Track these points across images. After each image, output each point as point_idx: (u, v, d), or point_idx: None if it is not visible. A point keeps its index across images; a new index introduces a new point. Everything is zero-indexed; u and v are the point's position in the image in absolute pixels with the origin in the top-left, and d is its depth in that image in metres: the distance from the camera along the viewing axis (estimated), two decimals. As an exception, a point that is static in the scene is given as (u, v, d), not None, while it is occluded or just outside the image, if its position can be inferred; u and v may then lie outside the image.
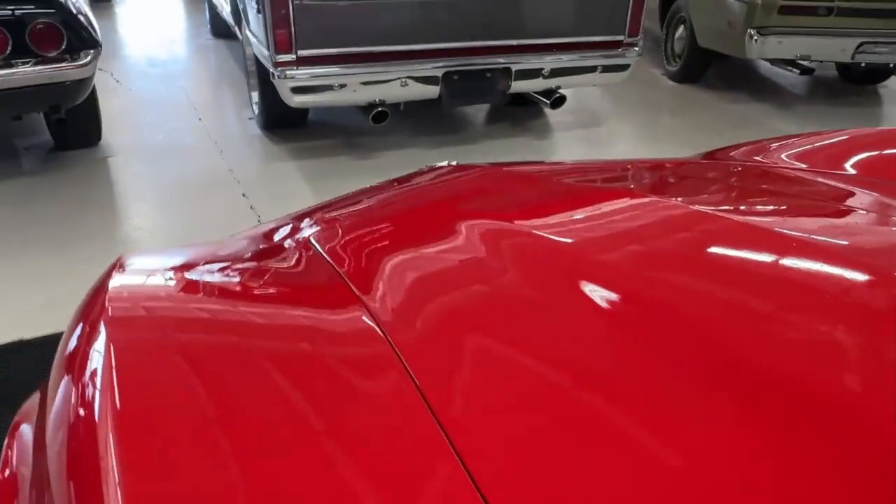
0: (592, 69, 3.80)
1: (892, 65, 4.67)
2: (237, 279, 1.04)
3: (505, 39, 3.56)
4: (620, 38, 3.79)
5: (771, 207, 1.07)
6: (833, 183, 1.16)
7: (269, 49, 3.21)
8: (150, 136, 4.02)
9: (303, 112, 3.88)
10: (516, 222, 0.96)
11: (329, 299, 0.86)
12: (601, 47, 3.77)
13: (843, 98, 5.13)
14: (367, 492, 0.51)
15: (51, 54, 2.84)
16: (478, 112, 4.47)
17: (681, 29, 5.15)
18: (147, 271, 1.00)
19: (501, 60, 3.57)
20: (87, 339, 0.73)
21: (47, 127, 3.62)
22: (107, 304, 0.78)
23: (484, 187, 1.37)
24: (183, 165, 3.68)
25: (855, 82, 5.35)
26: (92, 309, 0.80)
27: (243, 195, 3.35)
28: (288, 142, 3.92)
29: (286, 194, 3.35)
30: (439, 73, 3.46)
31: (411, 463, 0.52)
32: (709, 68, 5.16)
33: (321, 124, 4.15)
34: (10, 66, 2.78)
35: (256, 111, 4.07)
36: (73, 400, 0.65)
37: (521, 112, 4.37)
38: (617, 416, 0.54)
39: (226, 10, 4.52)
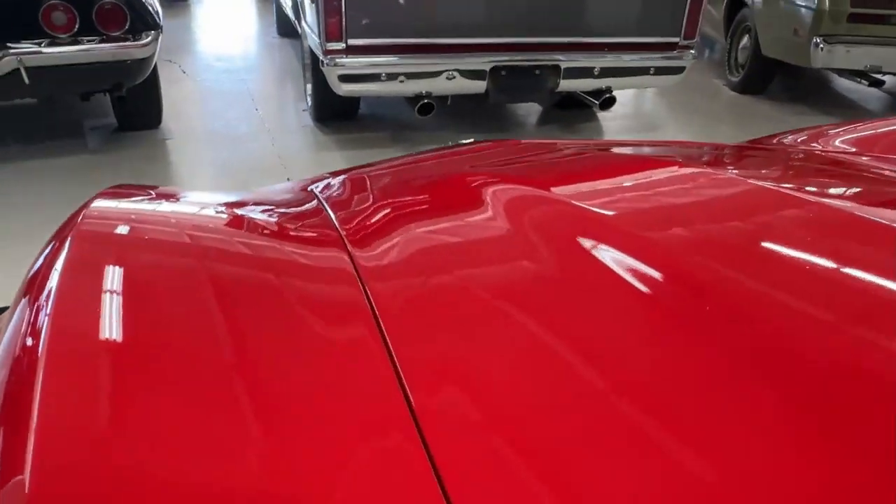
0: (645, 70, 3.74)
1: (972, 79, 4.40)
2: (223, 213, 1.04)
3: (555, 37, 3.54)
4: (676, 40, 3.71)
5: (833, 189, 0.98)
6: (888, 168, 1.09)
7: (320, 38, 3.29)
8: (208, 123, 4.18)
9: (353, 104, 3.95)
10: (532, 187, 0.88)
11: (315, 242, 0.84)
12: (655, 49, 3.70)
13: (918, 115, 4.88)
14: (309, 432, 0.47)
15: (114, 34, 3.00)
16: (528, 114, 4.46)
17: (745, 38, 5.01)
18: (135, 198, 0.98)
19: (551, 57, 3.55)
20: (51, 256, 0.71)
21: (112, 109, 3.82)
22: (78, 221, 0.76)
23: (504, 156, 1.35)
24: (235, 151, 3.81)
25: (933, 99, 5.07)
26: (64, 227, 0.78)
27: (288, 180, 3.44)
28: (337, 133, 4.01)
29: (329, 180, 3.42)
30: (487, 67, 3.47)
31: (359, 413, 0.48)
32: (773, 79, 4.99)
33: (371, 117, 4.22)
34: (78, 42, 2.95)
35: (310, 103, 4.17)
36: (24, 316, 0.61)
37: (573, 115, 4.33)
38: (618, 409, 0.47)
39: (288, 6, 4.67)
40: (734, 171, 1.10)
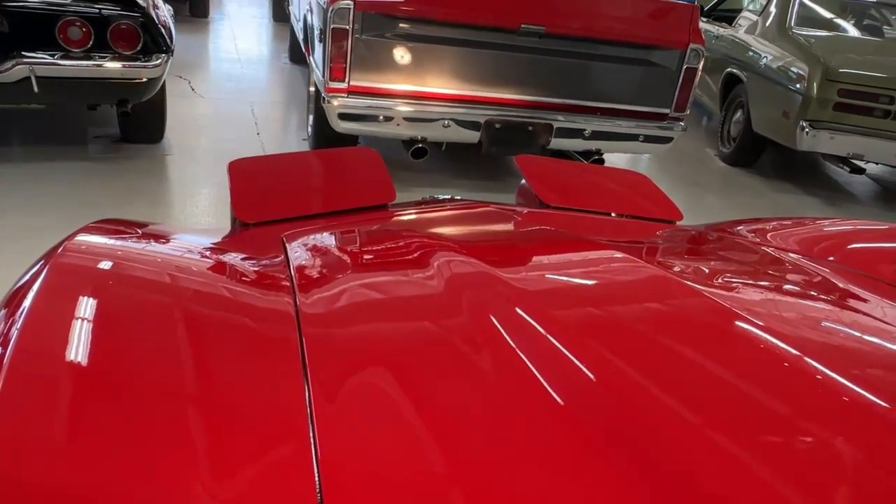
0: (635, 137, 3.87)
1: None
2: (196, 256, 1.13)
3: (551, 97, 3.68)
4: (666, 111, 3.85)
5: (751, 286, 1.06)
6: (809, 267, 1.17)
7: (324, 75, 3.42)
8: (209, 143, 4.29)
9: (351, 140, 4.07)
10: (472, 258, 0.97)
11: (269, 287, 0.91)
12: (646, 117, 3.84)
13: (897, 204, 5.02)
14: (220, 461, 0.53)
15: (126, 52, 3.12)
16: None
17: (739, 113, 5.17)
18: (117, 235, 1.07)
19: (544, 116, 3.68)
20: (29, 281, 0.78)
21: (117, 120, 3.93)
22: (59, 250, 0.84)
23: (468, 220, 1.44)
24: (231, 172, 3.90)
25: (915, 190, 5.22)
26: (48, 255, 0.86)
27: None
28: (333, 165, 4.11)
29: (318, 212, 3.51)
30: (481, 119, 3.59)
31: (266, 443, 0.55)
32: (762, 154, 5.14)
33: (368, 154, 4.34)
34: (90, 58, 3.06)
35: (310, 133, 4.29)
36: None
37: (563, 170, 4.45)
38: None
39: (301, 37, 4.82)
40: (664, 259, 1.19)
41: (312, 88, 4.16)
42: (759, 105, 4.87)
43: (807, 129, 4.28)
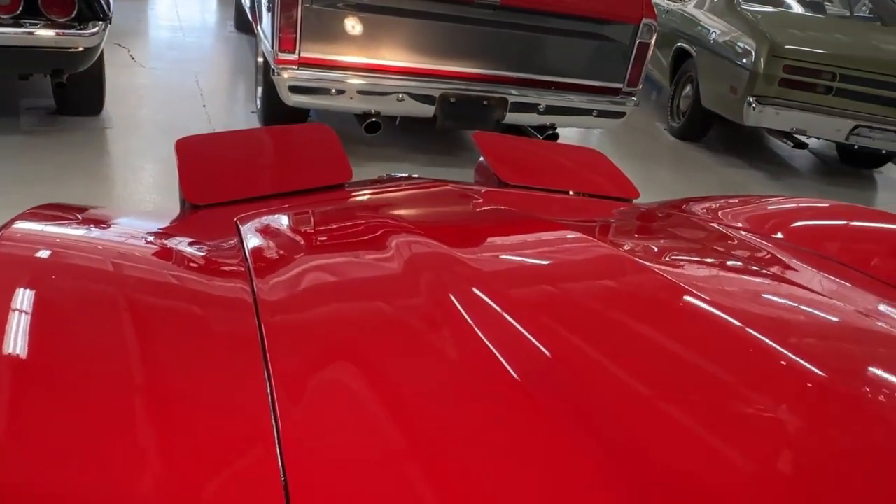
0: (588, 112, 3.88)
1: (884, 151, 4.72)
2: (144, 241, 1.08)
3: (505, 71, 3.65)
4: (619, 86, 3.87)
5: (697, 262, 1.10)
6: (760, 244, 1.20)
7: (273, 46, 3.30)
8: (151, 115, 4.11)
9: (302, 112, 3.96)
10: (430, 239, 0.96)
11: (224, 274, 0.89)
12: (599, 92, 3.85)
13: (837, 178, 5.19)
14: (175, 454, 0.51)
15: (60, 20, 2.94)
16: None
17: (688, 88, 5.25)
18: (58, 221, 1.01)
19: (499, 90, 3.65)
20: None
21: (52, 91, 3.72)
22: None
23: (423, 202, 1.42)
24: (177, 147, 3.76)
25: (852, 164, 5.41)
26: None
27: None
28: (283, 139, 4.00)
29: (269, 188, 3.42)
30: (436, 93, 3.54)
31: (227, 441, 0.53)
32: (710, 129, 5.24)
33: (319, 127, 4.24)
34: (20, 25, 2.87)
35: (259, 105, 4.16)
36: None
37: (517, 144, 4.44)
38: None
39: (247, 4, 4.64)
40: (619, 238, 1.21)
41: (261, 59, 4.02)
42: (707, 80, 4.94)
43: (754, 105, 4.37)
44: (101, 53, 3.39)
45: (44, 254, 0.85)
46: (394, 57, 3.44)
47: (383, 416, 0.58)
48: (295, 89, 3.35)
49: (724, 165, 5.00)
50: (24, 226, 0.90)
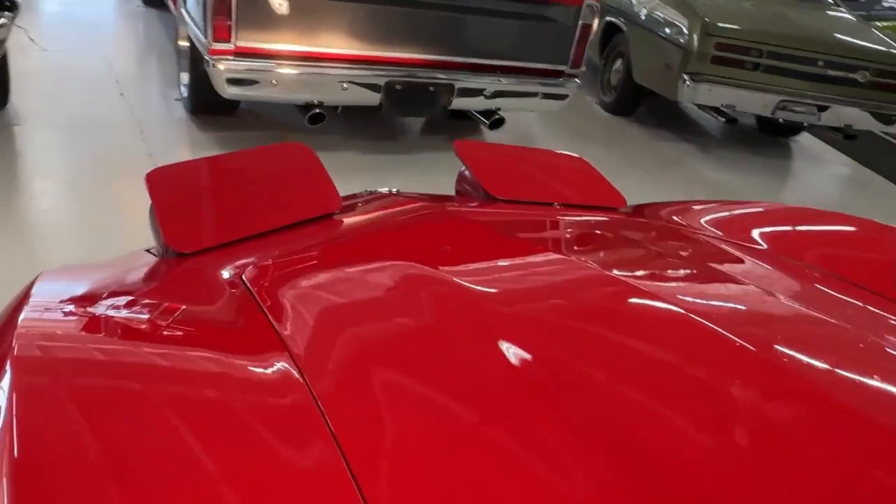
0: (533, 94, 3.85)
1: (805, 124, 4.96)
2: (155, 317, 0.97)
3: (451, 56, 3.55)
4: (563, 68, 3.85)
5: (676, 274, 1.14)
6: (738, 253, 1.22)
7: (205, 35, 3.05)
8: (64, 108, 3.75)
9: (234, 101, 3.73)
10: (457, 279, 0.96)
11: (251, 342, 0.83)
12: (543, 75, 3.82)
13: (758, 147, 5.43)
14: None
15: (-41, 11, 2.59)
16: (416, 121, 4.43)
17: (618, 62, 5.30)
18: (61, 303, 0.94)
19: (445, 76, 3.55)
20: None
21: (-53, 85, 3.32)
22: (14, 343, 0.74)
23: (423, 231, 1.36)
24: (98, 143, 3.44)
25: (771, 133, 5.67)
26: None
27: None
28: (216, 130, 3.75)
29: (209, 188, 3.20)
30: (381, 81, 3.40)
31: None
32: (641, 104, 5.33)
33: (253, 114, 4.00)
34: (-90, 18, 2.51)
35: (185, 93, 3.87)
36: None
37: (460, 125, 4.36)
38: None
39: (161, -19, 4.28)
40: (589, 256, 1.23)
41: (184, 43, 3.73)
42: (640, 56, 5.00)
43: (688, 82, 4.46)
44: (3, 44, 3.03)
45: (76, 350, 0.80)
46: (337, 44, 3.26)
47: (459, 471, 0.58)
48: (233, 81, 3.13)
49: (656, 139, 5.11)
50: (34, 316, 0.84)
